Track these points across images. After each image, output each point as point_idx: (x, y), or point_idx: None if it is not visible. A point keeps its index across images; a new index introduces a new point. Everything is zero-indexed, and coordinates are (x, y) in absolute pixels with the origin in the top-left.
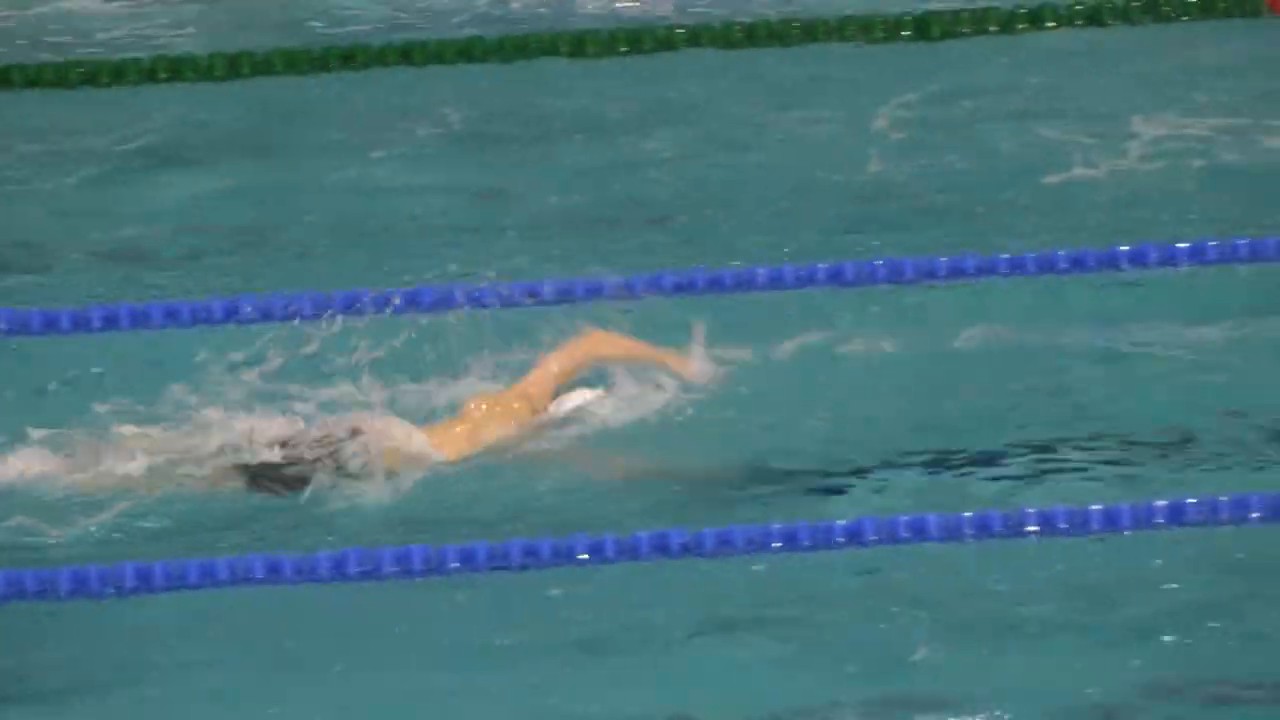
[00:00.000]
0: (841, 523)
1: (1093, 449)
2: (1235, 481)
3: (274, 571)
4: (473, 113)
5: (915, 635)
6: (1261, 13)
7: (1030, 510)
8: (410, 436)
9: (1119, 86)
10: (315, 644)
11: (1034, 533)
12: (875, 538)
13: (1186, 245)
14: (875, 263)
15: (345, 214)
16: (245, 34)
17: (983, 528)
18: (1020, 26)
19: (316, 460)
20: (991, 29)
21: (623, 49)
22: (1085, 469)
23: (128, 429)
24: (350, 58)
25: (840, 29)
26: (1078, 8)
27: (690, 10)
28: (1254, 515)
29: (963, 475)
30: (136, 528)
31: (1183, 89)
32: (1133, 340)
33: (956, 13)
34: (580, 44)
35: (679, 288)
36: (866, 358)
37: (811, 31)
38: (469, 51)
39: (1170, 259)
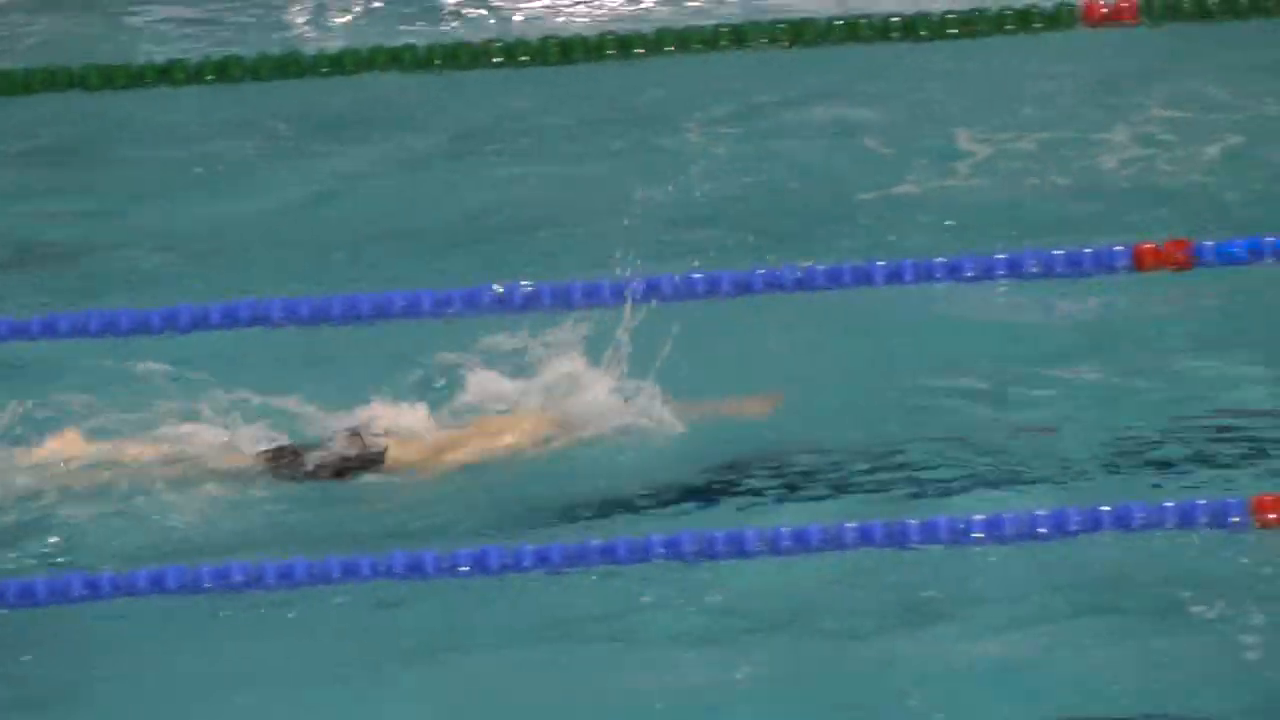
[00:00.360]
0: (659, 536)
1: (902, 462)
2: (1053, 496)
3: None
4: (301, 126)
5: (735, 652)
6: (1077, 25)
7: (826, 525)
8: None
9: (941, 100)
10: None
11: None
12: (693, 550)
13: (1004, 257)
14: (694, 276)
15: (168, 229)
16: (62, 48)
17: (773, 543)
18: (835, 38)
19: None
20: (807, 39)
21: (438, 62)
22: (900, 482)
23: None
24: (168, 72)
25: (658, 41)
26: (893, 20)
27: (504, 26)
28: (1073, 528)
29: (772, 493)
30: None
31: (1005, 102)
32: (948, 352)
33: (772, 23)
34: (398, 57)
35: (497, 304)
36: (678, 373)
37: (627, 44)
38: (286, 67)
39: (988, 271)
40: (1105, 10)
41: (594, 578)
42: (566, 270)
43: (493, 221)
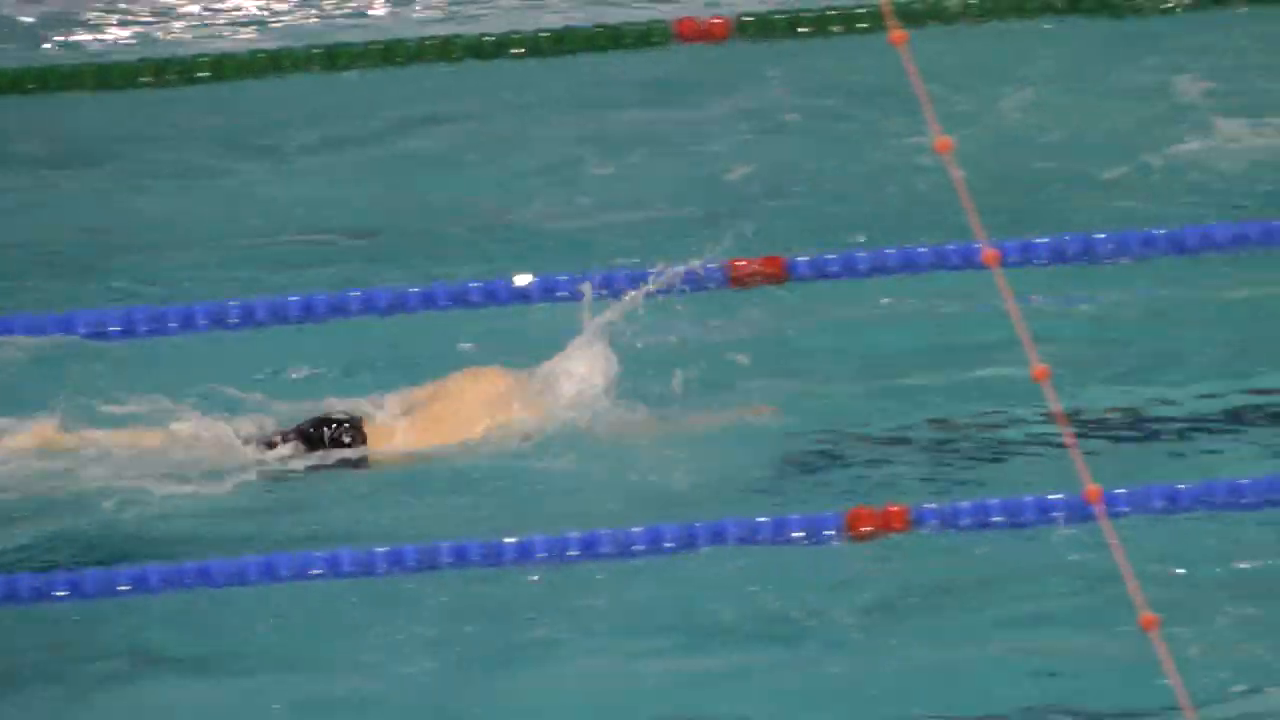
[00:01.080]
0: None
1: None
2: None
3: None
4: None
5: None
6: (670, 41)
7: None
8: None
9: (555, 118)
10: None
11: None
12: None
13: (597, 277)
14: (289, 299)
15: None
16: None
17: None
18: (429, 59)
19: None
20: (398, 61)
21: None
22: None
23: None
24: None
25: (250, 64)
26: (485, 39)
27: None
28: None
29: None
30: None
31: (615, 120)
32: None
33: (365, 45)
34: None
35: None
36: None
37: (220, 69)
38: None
39: (608, 284)
40: (698, 27)
41: None
42: (182, 293)
43: (103, 247)
